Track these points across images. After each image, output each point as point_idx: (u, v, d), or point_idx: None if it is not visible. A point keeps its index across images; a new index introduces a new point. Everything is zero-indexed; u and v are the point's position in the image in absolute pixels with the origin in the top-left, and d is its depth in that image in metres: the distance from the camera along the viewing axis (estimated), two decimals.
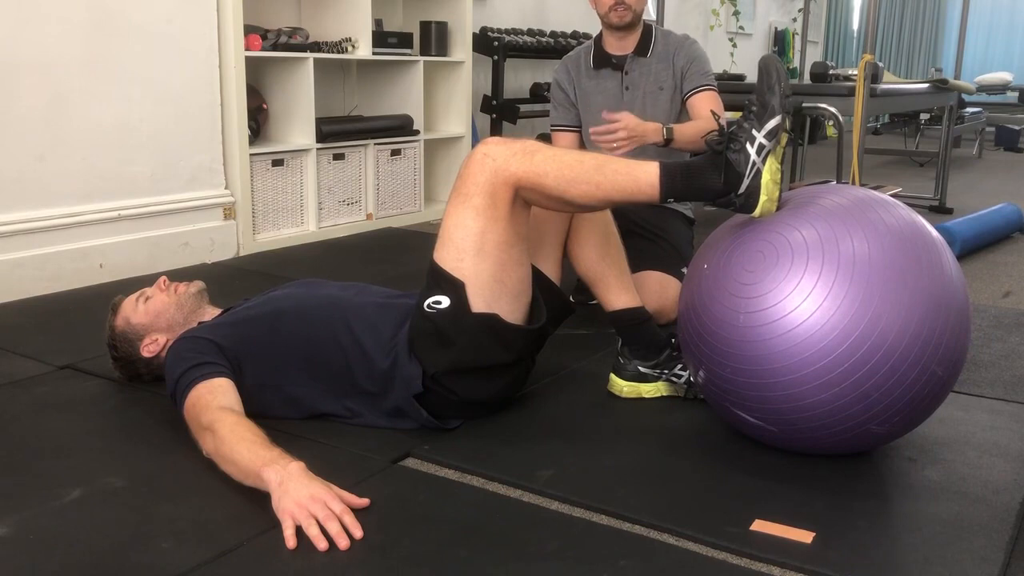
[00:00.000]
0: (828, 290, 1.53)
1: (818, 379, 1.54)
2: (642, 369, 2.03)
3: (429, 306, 1.76)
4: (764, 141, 1.61)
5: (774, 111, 1.61)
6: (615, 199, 1.72)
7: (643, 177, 1.67)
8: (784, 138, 1.64)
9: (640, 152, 2.76)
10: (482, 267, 1.73)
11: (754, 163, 1.61)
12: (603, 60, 2.81)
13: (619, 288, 2.01)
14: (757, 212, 1.64)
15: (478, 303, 1.74)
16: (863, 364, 1.52)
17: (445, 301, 1.75)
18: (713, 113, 1.70)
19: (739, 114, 1.69)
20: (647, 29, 2.80)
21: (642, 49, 2.77)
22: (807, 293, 1.54)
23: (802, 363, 1.54)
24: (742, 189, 1.63)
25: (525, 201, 1.75)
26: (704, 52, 2.82)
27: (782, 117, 1.62)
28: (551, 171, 1.69)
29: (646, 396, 2.04)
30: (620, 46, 2.79)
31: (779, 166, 1.64)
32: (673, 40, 2.80)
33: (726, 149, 1.63)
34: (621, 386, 2.05)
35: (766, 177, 1.62)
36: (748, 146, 1.61)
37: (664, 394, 2.04)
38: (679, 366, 2.01)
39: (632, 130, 2.45)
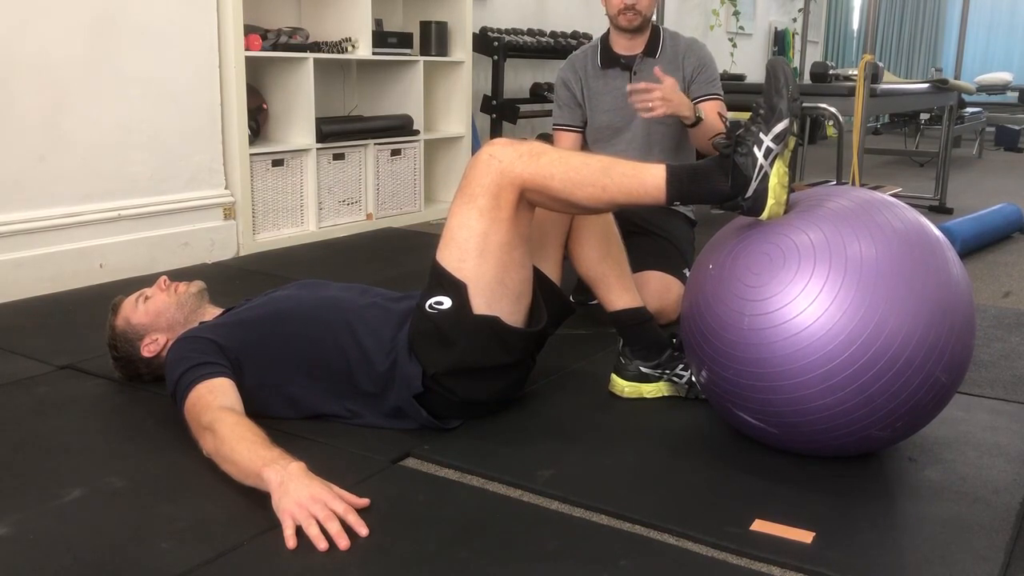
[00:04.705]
0: (834, 294, 1.53)
1: (821, 383, 1.54)
2: (643, 369, 2.03)
3: (431, 306, 1.76)
4: (772, 144, 1.61)
5: (782, 115, 1.61)
6: (621, 201, 1.72)
7: (649, 180, 1.67)
8: (792, 142, 1.64)
9: (647, 152, 2.77)
10: (484, 268, 1.73)
11: (761, 166, 1.61)
12: (611, 60, 2.81)
13: (620, 288, 2.01)
14: (764, 215, 1.64)
15: (479, 304, 1.74)
16: (867, 369, 1.52)
17: (447, 302, 1.75)
18: (720, 116, 1.71)
19: (744, 115, 1.69)
20: (655, 30, 2.81)
21: (651, 50, 2.78)
22: (813, 297, 1.54)
23: (806, 367, 1.54)
24: (749, 192, 1.63)
25: (529, 203, 1.75)
26: (711, 56, 2.84)
27: (790, 120, 1.61)
28: (557, 173, 1.69)
29: (647, 396, 2.04)
30: (629, 46, 2.80)
31: (786, 169, 1.64)
32: (682, 42, 2.81)
33: (733, 152, 1.63)
34: (622, 386, 2.05)
35: (773, 180, 1.62)
36: (755, 149, 1.61)
37: (665, 394, 2.04)
38: (680, 366, 2.01)
39: (668, 95, 2.44)
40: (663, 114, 2.45)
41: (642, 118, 2.78)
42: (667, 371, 2.02)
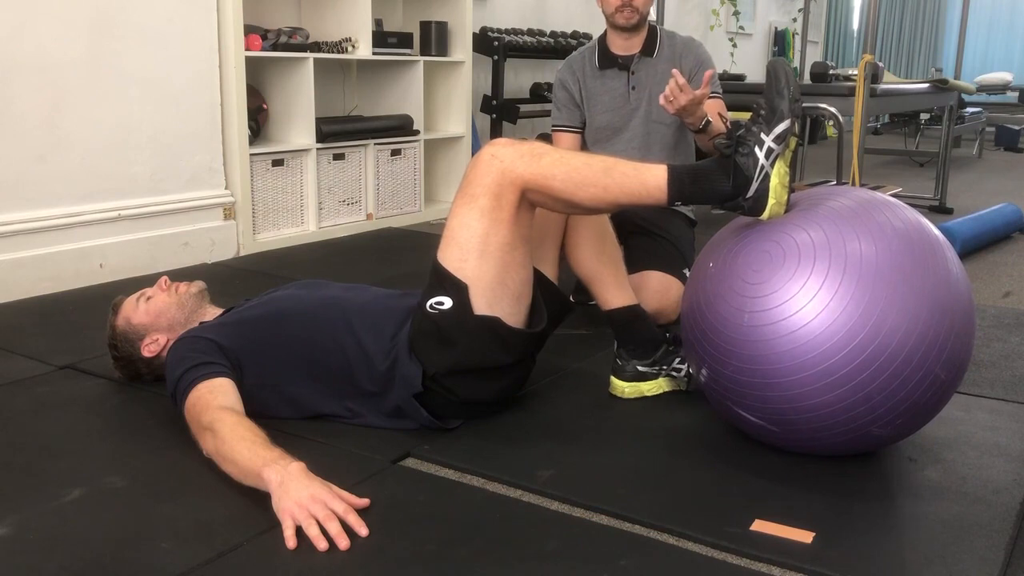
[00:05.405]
0: (834, 292, 1.53)
1: (821, 380, 1.54)
2: (641, 368, 2.03)
3: (431, 306, 1.76)
4: (773, 145, 1.61)
5: (783, 115, 1.62)
6: (622, 202, 1.72)
7: (651, 180, 1.68)
8: (793, 142, 1.64)
9: (646, 152, 2.77)
10: (485, 268, 1.73)
11: (763, 167, 1.61)
12: (609, 60, 2.81)
13: (615, 286, 2.02)
14: (765, 215, 1.64)
15: (480, 305, 1.74)
16: (867, 366, 1.52)
17: (448, 302, 1.75)
18: (721, 116, 1.70)
19: (744, 115, 1.69)
20: (652, 29, 2.81)
21: (648, 49, 2.78)
22: (813, 294, 1.54)
23: (805, 364, 1.54)
24: (750, 193, 1.63)
25: (531, 203, 1.75)
26: (709, 55, 2.83)
27: (791, 121, 1.62)
28: (559, 174, 1.69)
29: (649, 394, 2.04)
30: (626, 46, 2.79)
31: (787, 169, 1.64)
32: (679, 41, 2.81)
33: (734, 153, 1.63)
34: (622, 387, 2.05)
35: (774, 181, 1.62)
36: (757, 150, 1.61)
37: (666, 389, 2.04)
38: (677, 360, 2.01)
39: (683, 102, 2.38)
40: (669, 109, 2.44)
41: (640, 118, 2.79)
42: (664, 366, 2.02)
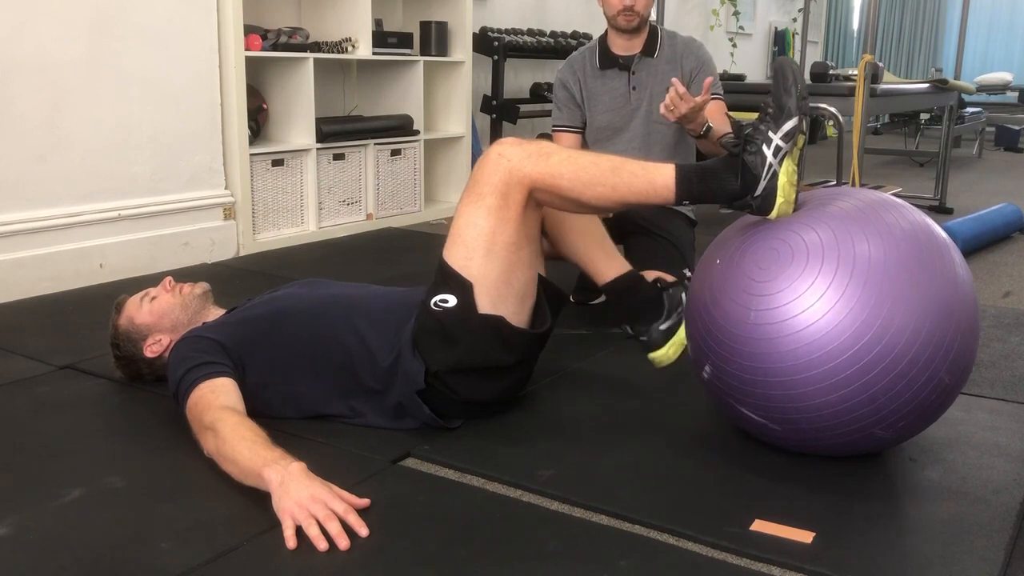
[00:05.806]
0: (841, 292, 1.53)
1: (826, 380, 1.54)
2: (663, 327, 2.01)
3: (436, 304, 1.76)
4: (781, 143, 1.61)
5: (790, 113, 1.61)
6: (630, 201, 1.72)
7: (659, 180, 1.68)
8: (801, 140, 1.64)
9: (646, 152, 2.77)
10: (490, 267, 1.73)
11: (771, 165, 1.61)
12: (609, 60, 2.81)
13: (607, 258, 2.03)
14: (773, 214, 1.64)
15: (484, 304, 1.74)
16: (872, 368, 1.52)
17: (452, 300, 1.75)
18: (728, 116, 1.71)
19: (744, 115, 1.69)
20: (653, 30, 2.81)
21: (649, 49, 2.78)
22: (820, 294, 1.54)
23: (811, 363, 1.54)
24: (758, 191, 1.63)
25: (537, 203, 1.75)
26: (710, 56, 2.83)
27: (799, 119, 1.61)
28: (566, 173, 1.69)
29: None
30: (627, 46, 2.80)
31: (795, 168, 1.64)
32: (680, 41, 2.81)
33: (742, 151, 1.63)
34: (665, 352, 2.02)
35: (783, 179, 1.62)
36: (764, 148, 1.61)
37: None
38: (683, 293, 2.00)
39: (683, 109, 2.40)
40: (669, 118, 2.44)
41: (641, 118, 2.79)
42: (679, 309, 2.00)
